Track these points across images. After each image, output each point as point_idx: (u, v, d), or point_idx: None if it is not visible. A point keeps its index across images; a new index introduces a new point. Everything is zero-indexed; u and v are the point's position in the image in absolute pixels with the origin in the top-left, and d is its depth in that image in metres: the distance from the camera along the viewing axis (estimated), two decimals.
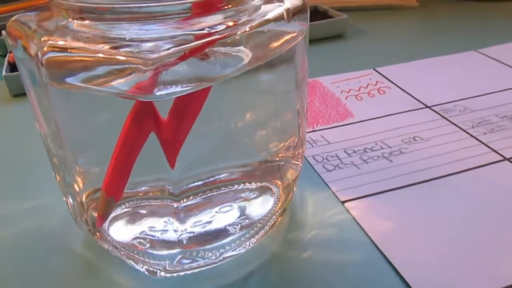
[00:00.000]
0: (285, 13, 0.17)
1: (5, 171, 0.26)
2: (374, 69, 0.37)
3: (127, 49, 0.13)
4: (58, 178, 0.20)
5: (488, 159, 0.25)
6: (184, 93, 0.14)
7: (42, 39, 0.14)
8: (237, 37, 0.15)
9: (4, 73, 0.34)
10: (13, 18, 0.17)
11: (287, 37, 0.17)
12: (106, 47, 0.13)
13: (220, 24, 0.15)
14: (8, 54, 0.37)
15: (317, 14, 0.47)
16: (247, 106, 0.19)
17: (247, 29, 0.15)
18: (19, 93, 0.35)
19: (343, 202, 0.22)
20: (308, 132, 0.28)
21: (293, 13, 0.17)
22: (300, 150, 0.22)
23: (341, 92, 0.33)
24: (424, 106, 0.31)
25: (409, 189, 0.23)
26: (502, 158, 0.25)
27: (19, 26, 0.16)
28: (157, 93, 0.13)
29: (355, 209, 0.22)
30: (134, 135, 0.16)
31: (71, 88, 0.14)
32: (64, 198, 0.20)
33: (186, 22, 0.15)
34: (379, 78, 0.35)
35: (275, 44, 0.17)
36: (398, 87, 0.34)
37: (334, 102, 0.32)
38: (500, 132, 0.27)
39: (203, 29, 0.15)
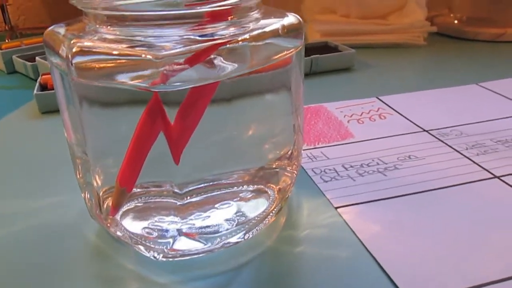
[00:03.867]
0: (280, 29, 0.19)
1: (32, 174, 0.29)
2: (377, 97, 0.39)
3: (143, 48, 0.16)
4: (79, 176, 0.22)
5: (479, 176, 0.26)
6: (190, 86, 0.16)
7: (72, 42, 0.17)
8: (238, 46, 0.18)
9: (35, 91, 0.38)
10: (48, 29, 0.20)
11: (282, 50, 0.20)
12: (125, 46, 0.16)
13: (224, 30, 0.18)
14: (40, 77, 0.41)
15: (327, 49, 0.50)
16: (248, 123, 0.21)
17: (247, 37, 0.18)
18: (47, 111, 0.38)
19: (336, 208, 0.24)
20: (309, 149, 0.30)
21: (289, 30, 0.20)
22: (295, 161, 0.24)
23: (344, 116, 0.35)
24: (422, 130, 0.33)
25: (400, 199, 0.24)
26: (492, 176, 0.26)
27: (52, 34, 0.19)
28: (168, 84, 0.16)
29: (347, 214, 0.23)
30: (147, 132, 0.18)
31: (96, 83, 0.17)
32: (83, 194, 0.22)
33: (198, 28, 0.17)
34: (381, 105, 0.37)
35: (271, 56, 0.19)
36: (399, 113, 0.36)
37: (336, 124, 0.34)
38: (493, 154, 0.29)
39: (210, 35, 0.17)
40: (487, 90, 0.40)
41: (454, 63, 0.49)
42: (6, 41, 0.57)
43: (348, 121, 0.34)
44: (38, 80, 0.40)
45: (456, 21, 0.62)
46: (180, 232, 0.19)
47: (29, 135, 0.34)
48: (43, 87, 0.40)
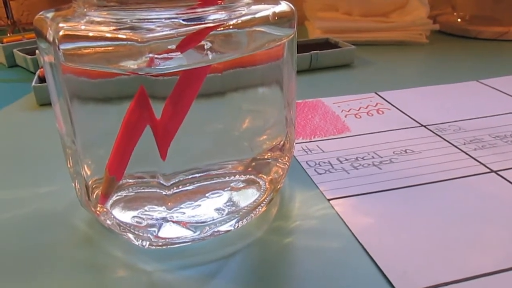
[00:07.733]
0: (271, 15, 0.19)
1: (26, 165, 0.29)
2: (375, 93, 0.38)
3: (129, 30, 0.16)
4: (69, 166, 0.22)
5: (475, 170, 0.26)
6: (177, 70, 0.16)
7: (59, 25, 0.17)
8: (229, 31, 0.17)
9: (33, 84, 0.38)
10: (38, 14, 0.20)
11: (274, 38, 0.20)
12: (112, 29, 0.16)
13: (215, 14, 0.17)
14: (39, 69, 0.41)
15: (328, 45, 0.50)
16: (241, 115, 0.21)
17: (238, 22, 0.17)
18: (45, 103, 0.38)
19: (329, 200, 0.23)
20: (304, 142, 0.30)
21: (280, 17, 0.19)
22: (288, 153, 0.24)
23: (342, 111, 0.35)
24: (419, 125, 0.32)
25: (394, 192, 0.24)
26: (489, 170, 0.26)
27: (41, 19, 0.19)
28: (153, 67, 0.15)
29: (339, 206, 0.23)
30: (134, 120, 0.18)
31: (83, 67, 0.17)
32: (73, 184, 0.22)
33: (188, 11, 0.17)
34: (379, 100, 0.37)
35: (263, 43, 0.19)
36: (397, 108, 0.35)
37: (333, 119, 0.34)
38: (491, 149, 0.28)
39: (199, 18, 0.17)
40: (487, 86, 0.40)
41: (456, 60, 0.49)
42: (8, 35, 0.57)
43: (346, 116, 0.34)
44: (37, 72, 0.40)
45: (459, 20, 0.62)
46: (165, 220, 0.19)
47: (25, 127, 0.34)
48: (42, 80, 0.40)
